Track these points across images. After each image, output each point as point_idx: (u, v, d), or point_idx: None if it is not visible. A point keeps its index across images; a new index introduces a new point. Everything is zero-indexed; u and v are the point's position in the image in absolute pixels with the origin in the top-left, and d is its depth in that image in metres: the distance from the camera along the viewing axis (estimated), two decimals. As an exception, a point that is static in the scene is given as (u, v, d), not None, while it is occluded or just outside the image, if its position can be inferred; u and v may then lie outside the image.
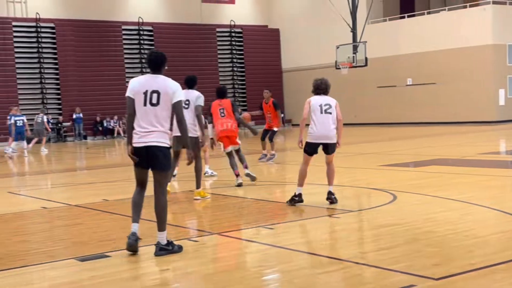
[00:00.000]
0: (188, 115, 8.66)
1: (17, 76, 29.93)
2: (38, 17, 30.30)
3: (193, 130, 8.89)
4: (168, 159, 5.68)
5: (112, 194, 10.20)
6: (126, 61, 32.72)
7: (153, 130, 5.58)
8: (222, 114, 10.35)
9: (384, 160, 13.90)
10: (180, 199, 9.42)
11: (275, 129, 14.93)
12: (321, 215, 7.50)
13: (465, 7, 29.72)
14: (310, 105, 8.04)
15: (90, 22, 31.48)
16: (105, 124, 31.54)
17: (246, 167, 10.59)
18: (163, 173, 5.67)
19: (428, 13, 31.16)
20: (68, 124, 30.84)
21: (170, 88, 5.68)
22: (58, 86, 30.98)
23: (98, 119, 31.36)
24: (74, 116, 30.36)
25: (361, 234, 6.69)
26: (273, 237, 6.35)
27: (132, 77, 33.47)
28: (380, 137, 23.33)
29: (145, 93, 5.63)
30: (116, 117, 31.63)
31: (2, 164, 18.56)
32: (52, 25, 30.77)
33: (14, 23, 29.90)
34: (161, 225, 5.62)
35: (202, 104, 9.03)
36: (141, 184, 5.80)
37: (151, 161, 5.64)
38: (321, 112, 7.95)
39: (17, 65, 29.94)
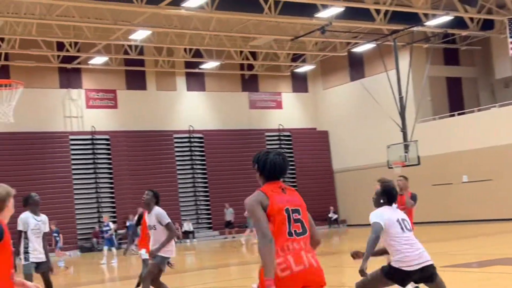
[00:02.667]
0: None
1: (74, 187, 30.70)
2: (93, 129, 31.45)
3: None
4: None
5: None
6: (178, 167, 33.30)
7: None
8: None
9: (445, 261, 13.38)
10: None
11: None
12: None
13: (515, 102, 29.52)
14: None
15: (142, 132, 32.45)
16: (158, 231, 31.61)
17: None
18: None
19: (479, 110, 31.02)
20: (123, 231, 31.10)
21: None
22: (113, 195, 31.58)
23: (151, 226, 31.51)
24: (127, 224, 30.61)
25: None
26: None
27: (184, 183, 33.59)
28: (438, 236, 22.63)
29: None
30: (169, 224, 31.75)
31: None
32: (107, 137, 31.84)
33: (71, 137, 31.06)
34: None
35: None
36: None
37: None
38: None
39: (73, 176, 30.78)
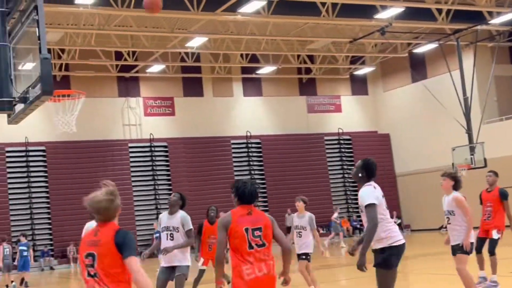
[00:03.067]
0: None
1: (134, 194, 30.94)
2: (152, 137, 31.62)
3: None
4: None
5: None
6: (236, 173, 33.12)
7: None
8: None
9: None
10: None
11: (496, 235, 10.04)
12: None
13: None
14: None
15: (200, 138, 32.45)
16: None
17: None
18: None
19: (547, 109, 29.69)
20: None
21: None
22: (171, 201, 31.64)
23: (210, 232, 31.50)
24: (187, 230, 30.66)
25: None
26: None
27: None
28: (505, 241, 21.53)
29: None
30: (228, 231, 31.66)
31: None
32: (165, 144, 31.98)
33: (130, 145, 31.34)
34: None
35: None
36: None
37: None
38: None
39: (133, 183, 31.04)
